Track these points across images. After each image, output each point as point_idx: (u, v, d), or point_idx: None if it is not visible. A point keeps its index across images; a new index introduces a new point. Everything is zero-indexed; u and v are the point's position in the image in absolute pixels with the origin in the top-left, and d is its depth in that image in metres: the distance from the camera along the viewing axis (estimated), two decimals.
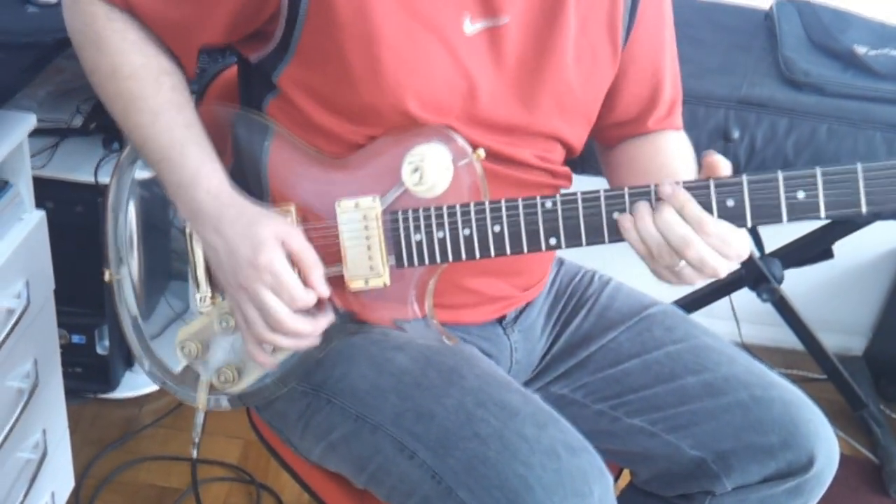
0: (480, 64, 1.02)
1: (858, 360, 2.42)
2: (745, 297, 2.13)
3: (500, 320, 1.18)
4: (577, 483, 0.94)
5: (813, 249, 2.03)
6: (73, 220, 1.74)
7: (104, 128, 1.81)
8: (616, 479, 1.26)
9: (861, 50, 1.75)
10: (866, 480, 2.05)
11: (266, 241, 0.95)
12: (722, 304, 2.28)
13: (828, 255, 2.05)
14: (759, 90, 1.62)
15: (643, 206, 0.93)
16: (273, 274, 0.94)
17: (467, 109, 1.03)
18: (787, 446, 1.12)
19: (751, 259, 1.99)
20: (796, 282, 2.31)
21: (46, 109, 1.81)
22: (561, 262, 1.31)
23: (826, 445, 1.13)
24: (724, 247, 0.92)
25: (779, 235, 2.06)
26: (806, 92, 1.64)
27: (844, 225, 1.96)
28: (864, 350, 2.45)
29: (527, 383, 1.22)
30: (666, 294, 2.13)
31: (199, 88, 1.26)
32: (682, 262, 0.94)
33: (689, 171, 1.09)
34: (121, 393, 1.96)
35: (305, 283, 0.96)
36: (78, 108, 1.86)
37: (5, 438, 1.33)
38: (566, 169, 1.16)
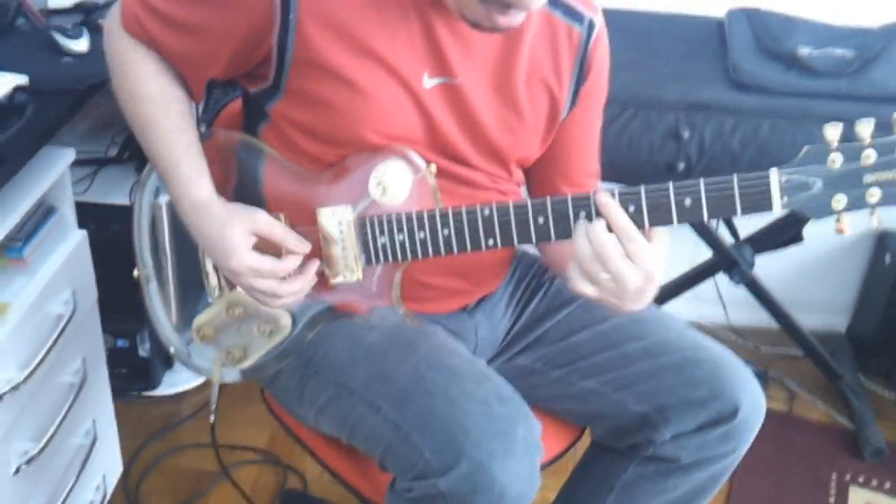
0: (439, 110, 1.22)
1: (841, 337, 2.57)
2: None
3: (464, 308, 1.38)
4: (505, 425, 1.14)
5: (783, 235, 2.20)
6: (113, 238, 1.96)
7: (137, 156, 2.03)
8: (579, 437, 1.46)
9: (804, 51, 1.92)
10: (843, 447, 2.21)
11: (233, 246, 1.17)
12: (709, 290, 2.46)
13: (797, 239, 2.20)
14: (707, 93, 1.81)
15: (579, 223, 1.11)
16: (248, 268, 1.17)
17: (429, 142, 1.23)
18: (715, 398, 1.29)
19: (723, 245, 2.18)
20: (780, 265, 2.48)
21: (86, 142, 2.05)
22: (524, 253, 1.51)
23: (749, 397, 1.31)
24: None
25: (752, 223, 2.23)
26: (751, 93, 1.83)
27: None
28: (847, 327, 2.60)
29: (494, 357, 1.42)
30: None
31: (210, 116, 1.50)
32: (606, 276, 1.09)
33: None
34: (162, 390, 2.19)
35: (286, 248, 1.18)
36: (113, 140, 2.09)
37: (59, 425, 1.55)
38: (515, 188, 1.36)
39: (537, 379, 1.40)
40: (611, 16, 2.15)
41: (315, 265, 1.22)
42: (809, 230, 2.24)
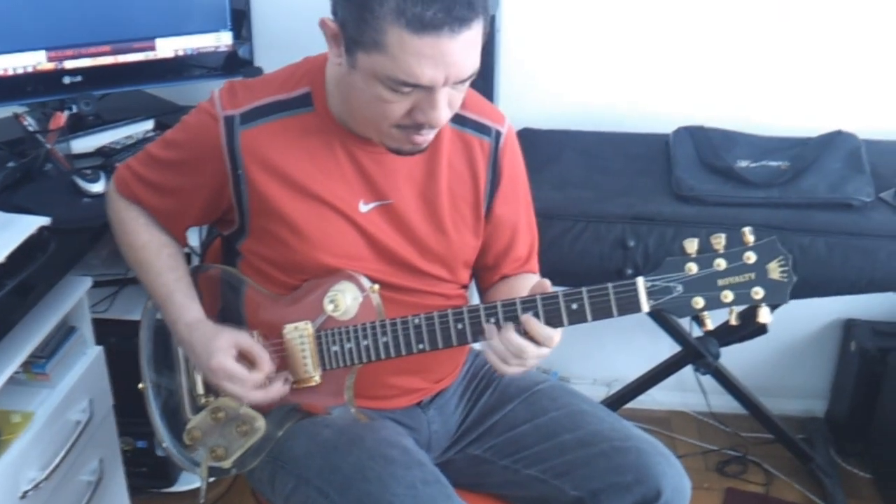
0: (378, 228, 1.45)
1: (820, 421, 2.71)
2: None
3: (419, 403, 1.58)
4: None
5: (747, 327, 2.35)
6: (132, 351, 2.18)
7: None
8: None
9: (742, 164, 2.12)
10: None
11: (216, 351, 1.40)
12: (691, 380, 2.62)
13: (762, 331, 2.36)
14: (650, 206, 2.01)
15: (490, 327, 1.32)
16: (224, 371, 1.40)
17: (374, 256, 1.45)
18: (640, 482, 1.47)
19: (689, 339, 2.35)
20: (758, 355, 2.64)
21: (108, 265, 2.29)
22: (476, 354, 1.71)
23: (671, 481, 1.48)
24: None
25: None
26: (690, 204, 2.02)
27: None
28: (826, 412, 2.73)
29: (449, 447, 1.61)
30: (627, 372, 2.49)
31: (202, 251, 1.75)
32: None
33: None
34: (179, 487, 2.39)
35: (257, 366, 1.40)
36: None
37: None
38: (460, 292, 1.57)
39: (488, 468, 1.58)
40: (569, 137, 2.40)
41: (279, 384, 1.43)
42: (781, 321, 2.40)
